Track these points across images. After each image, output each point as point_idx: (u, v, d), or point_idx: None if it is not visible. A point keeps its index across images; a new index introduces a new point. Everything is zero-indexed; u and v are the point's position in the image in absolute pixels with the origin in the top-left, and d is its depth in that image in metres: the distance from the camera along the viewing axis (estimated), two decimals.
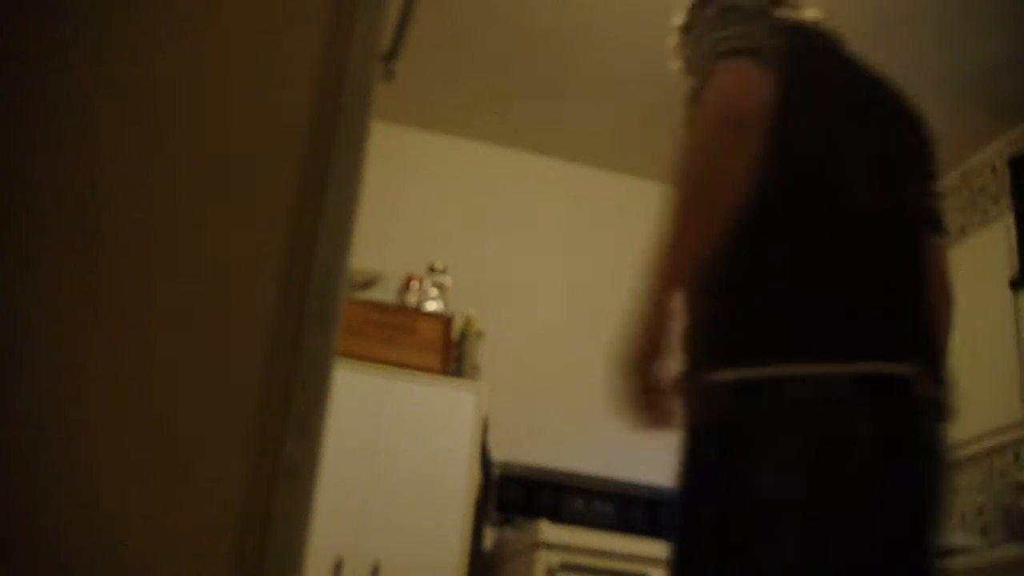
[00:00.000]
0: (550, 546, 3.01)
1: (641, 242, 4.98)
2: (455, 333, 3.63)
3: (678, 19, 1.59)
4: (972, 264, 3.99)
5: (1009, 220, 3.76)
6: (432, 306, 3.73)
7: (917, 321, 1.37)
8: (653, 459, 4.18)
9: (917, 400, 1.29)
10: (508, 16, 3.67)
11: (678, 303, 1.27)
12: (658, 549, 3.16)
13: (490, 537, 3.53)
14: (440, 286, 3.80)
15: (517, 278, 4.15)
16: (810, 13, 1.59)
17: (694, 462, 1.31)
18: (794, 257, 1.32)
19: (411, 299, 3.76)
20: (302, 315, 1.02)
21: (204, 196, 1.06)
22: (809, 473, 1.22)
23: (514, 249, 4.20)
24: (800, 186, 1.35)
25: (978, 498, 3.81)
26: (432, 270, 3.85)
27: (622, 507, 3.79)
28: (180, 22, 1.11)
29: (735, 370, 1.27)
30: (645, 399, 1.25)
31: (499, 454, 3.68)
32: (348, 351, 3.34)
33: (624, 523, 3.77)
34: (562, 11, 3.63)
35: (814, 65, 1.44)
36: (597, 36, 3.73)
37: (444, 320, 3.60)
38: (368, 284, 3.78)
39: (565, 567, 3.00)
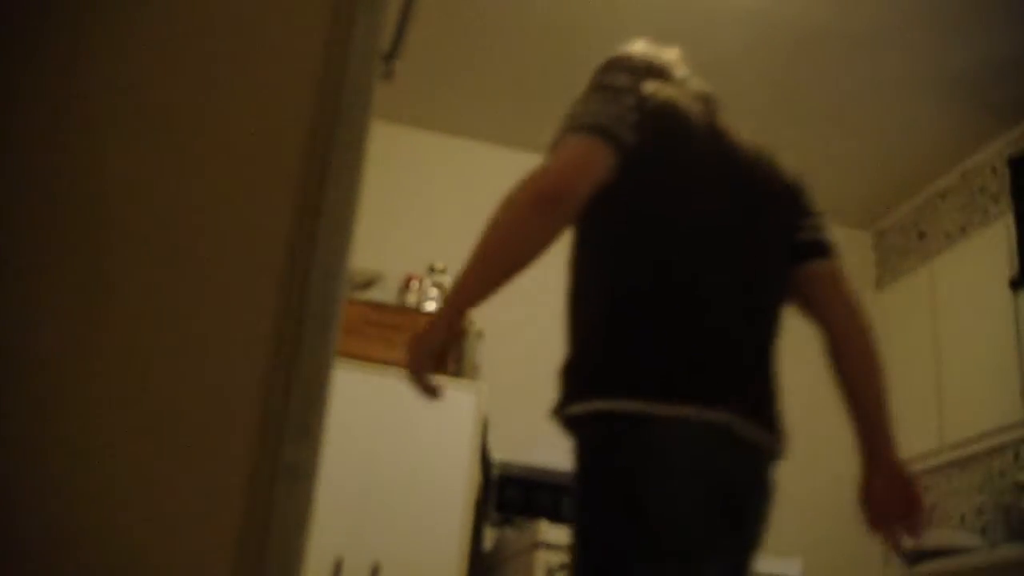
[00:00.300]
0: (550, 546, 3.01)
1: None
2: None
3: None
4: (972, 264, 3.99)
5: (1009, 220, 3.76)
6: (432, 306, 3.73)
7: (750, 373, 1.55)
8: None
9: (742, 443, 1.48)
10: (508, 16, 3.67)
11: (461, 320, 1.49)
12: None
13: (490, 537, 3.53)
14: (440, 286, 3.80)
15: (516, 278, 4.15)
16: (692, 83, 1.71)
17: (581, 487, 1.47)
18: (640, 310, 1.49)
19: (411, 299, 3.76)
20: (302, 315, 1.02)
21: (204, 196, 1.06)
22: (667, 508, 1.40)
23: None
24: (650, 249, 1.51)
25: (978, 498, 3.81)
26: (432, 270, 3.85)
27: None
28: (180, 22, 1.11)
29: (592, 403, 1.45)
30: (422, 376, 1.49)
31: (499, 454, 3.68)
32: (348, 351, 3.34)
33: None
34: (563, 10, 3.63)
35: (668, 140, 1.55)
36: (598, 35, 3.72)
37: None
38: (368, 284, 3.78)
39: (565, 567, 2.99)
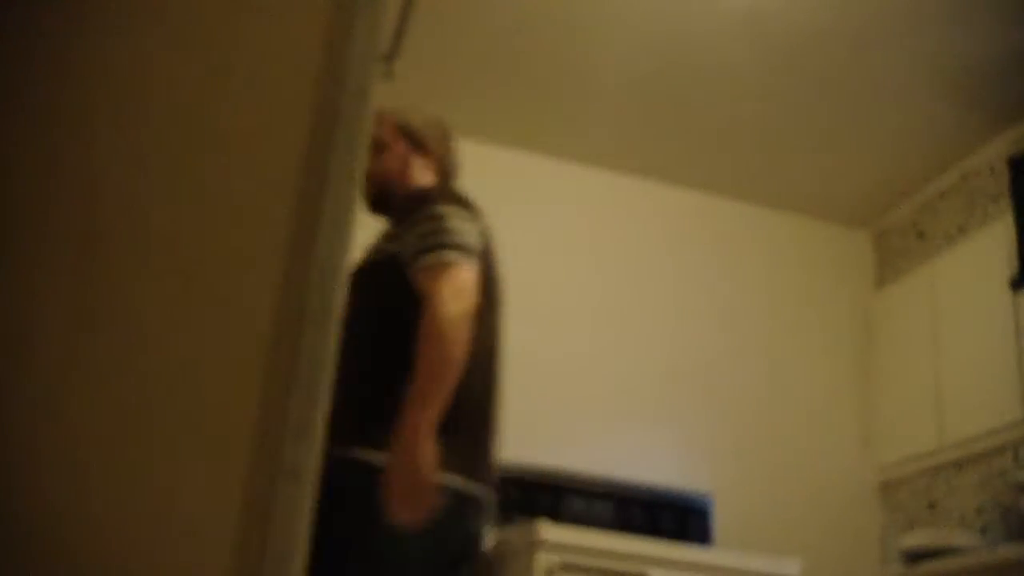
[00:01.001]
0: (549, 546, 3.01)
1: (640, 241, 4.97)
2: None
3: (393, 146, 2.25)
4: (972, 264, 3.99)
5: (1009, 220, 3.76)
6: None
7: (493, 449, 1.96)
8: (653, 459, 4.18)
9: (486, 510, 1.88)
10: (508, 16, 3.68)
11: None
12: (657, 549, 3.16)
13: (490, 536, 3.53)
14: None
15: (515, 278, 4.15)
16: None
17: (346, 521, 1.75)
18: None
19: None
20: (302, 315, 1.03)
21: (204, 195, 1.06)
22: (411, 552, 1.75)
23: (512, 249, 4.19)
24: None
25: (978, 498, 3.81)
26: None
27: (621, 507, 3.79)
28: (180, 22, 1.11)
29: (378, 453, 1.75)
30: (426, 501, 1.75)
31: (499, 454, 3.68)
32: None
33: (623, 523, 3.77)
34: (563, 10, 3.63)
35: (489, 267, 1.99)
36: (597, 35, 3.72)
37: None
38: None
39: (564, 567, 3.00)
